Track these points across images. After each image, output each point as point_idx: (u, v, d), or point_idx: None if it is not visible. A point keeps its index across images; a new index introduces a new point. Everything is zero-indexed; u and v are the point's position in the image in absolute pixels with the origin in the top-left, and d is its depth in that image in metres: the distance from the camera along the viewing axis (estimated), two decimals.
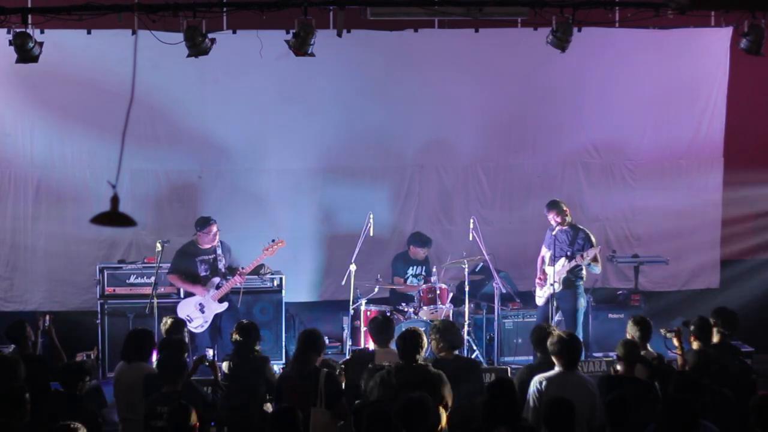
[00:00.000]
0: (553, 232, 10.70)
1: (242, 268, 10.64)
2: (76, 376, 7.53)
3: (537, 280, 11.06)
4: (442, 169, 12.38)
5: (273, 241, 10.70)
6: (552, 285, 10.64)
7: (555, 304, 10.64)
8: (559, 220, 10.73)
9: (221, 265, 10.72)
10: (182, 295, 10.91)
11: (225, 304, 10.64)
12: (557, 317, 10.69)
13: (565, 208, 10.81)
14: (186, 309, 10.61)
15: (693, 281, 12.80)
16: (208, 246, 10.68)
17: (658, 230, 12.54)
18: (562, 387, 7.26)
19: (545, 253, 10.99)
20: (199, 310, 10.59)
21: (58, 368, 7.91)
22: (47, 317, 9.15)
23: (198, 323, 10.56)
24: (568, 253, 10.68)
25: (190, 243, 10.79)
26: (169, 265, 10.80)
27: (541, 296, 10.96)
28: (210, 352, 8.62)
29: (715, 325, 8.49)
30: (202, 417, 7.10)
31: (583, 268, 10.81)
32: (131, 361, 8.26)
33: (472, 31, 11.68)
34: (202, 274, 10.69)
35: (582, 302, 10.88)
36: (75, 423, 6.09)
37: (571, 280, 10.79)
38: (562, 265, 10.67)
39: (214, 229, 10.63)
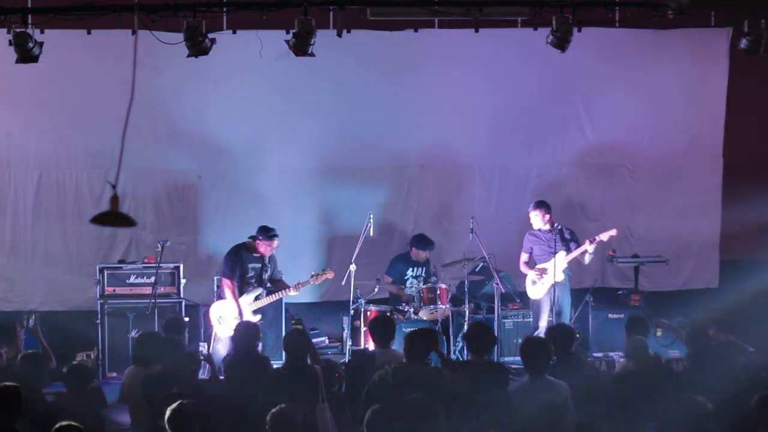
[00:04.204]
0: (545, 228, 10.85)
1: (283, 290, 10.54)
2: (83, 377, 7.53)
3: (535, 275, 11.08)
4: (442, 169, 12.39)
5: (324, 270, 10.74)
6: (540, 276, 10.90)
7: (555, 296, 10.79)
8: (548, 218, 10.93)
9: (266, 276, 10.69)
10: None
11: (258, 316, 10.46)
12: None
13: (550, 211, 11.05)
14: (221, 310, 10.49)
15: (692, 281, 12.82)
16: (261, 254, 10.61)
17: (658, 230, 12.54)
18: (526, 398, 6.93)
19: (526, 258, 11.21)
20: (233, 317, 10.37)
21: (57, 369, 7.90)
22: (33, 316, 9.08)
23: (227, 328, 10.26)
24: (564, 247, 10.88)
25: (242, 245, 10.68)
26: (172, 265, 10.91)
27: (540, 289, 10.98)
28: (203, 347, 8.58)
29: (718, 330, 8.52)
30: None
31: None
32: None
33: (472, 31, 11.68)
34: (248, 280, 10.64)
35: (569, 298, 11.13)
36: (74, 423, 6.08)
37: (564, 274, 10.95)
38: (562, 258, 10.86)
39: (276, 243, 10.57)
